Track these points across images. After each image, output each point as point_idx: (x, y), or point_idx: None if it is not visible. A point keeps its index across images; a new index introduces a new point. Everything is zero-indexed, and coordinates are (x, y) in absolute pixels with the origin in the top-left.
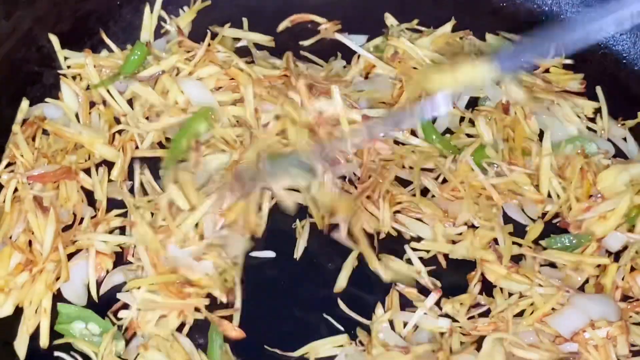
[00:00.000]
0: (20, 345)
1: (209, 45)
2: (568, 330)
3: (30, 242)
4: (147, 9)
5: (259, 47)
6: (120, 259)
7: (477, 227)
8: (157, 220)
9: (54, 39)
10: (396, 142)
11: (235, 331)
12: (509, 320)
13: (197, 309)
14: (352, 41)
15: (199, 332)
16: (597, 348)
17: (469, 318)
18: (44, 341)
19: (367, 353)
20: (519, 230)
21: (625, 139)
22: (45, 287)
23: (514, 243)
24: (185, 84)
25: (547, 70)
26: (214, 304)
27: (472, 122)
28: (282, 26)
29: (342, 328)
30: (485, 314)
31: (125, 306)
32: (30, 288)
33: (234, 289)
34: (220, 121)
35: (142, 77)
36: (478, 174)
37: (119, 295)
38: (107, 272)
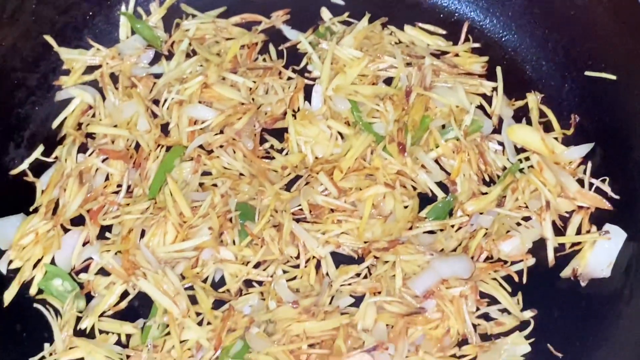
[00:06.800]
0: (9, 294)
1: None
2: (421, 289)
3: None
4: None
5: None
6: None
7: None
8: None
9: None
10: None
11: None
12: (384, 279)
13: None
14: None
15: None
16: (452, 302)
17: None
18: (33, 290)
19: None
20: None
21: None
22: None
23: None
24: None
25: (457, 55)
26: None
27: None
28: (233, 20)
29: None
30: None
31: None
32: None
33: None
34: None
35: None
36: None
37: (91, 253)
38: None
